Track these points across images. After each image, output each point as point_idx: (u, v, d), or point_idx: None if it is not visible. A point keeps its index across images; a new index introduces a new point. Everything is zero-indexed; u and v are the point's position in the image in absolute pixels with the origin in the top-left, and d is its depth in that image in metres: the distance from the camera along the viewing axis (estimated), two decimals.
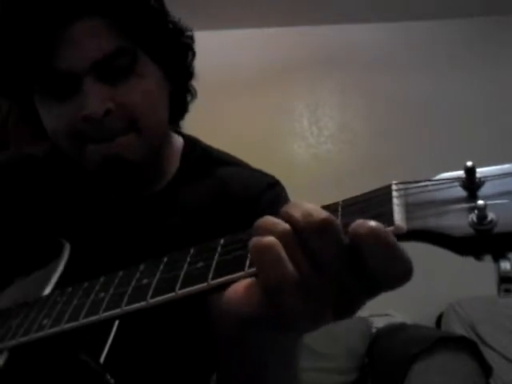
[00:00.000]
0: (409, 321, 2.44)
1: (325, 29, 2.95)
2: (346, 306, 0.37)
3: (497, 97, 2.88)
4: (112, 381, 0.57)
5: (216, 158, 0.82)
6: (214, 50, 2.79)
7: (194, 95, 0.83)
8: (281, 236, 0.36)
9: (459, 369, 2.03)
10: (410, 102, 2.88)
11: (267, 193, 0.76)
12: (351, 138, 2.90)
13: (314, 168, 2.88)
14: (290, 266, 0.35)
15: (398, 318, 2.46)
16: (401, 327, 2.33)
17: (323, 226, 0.35)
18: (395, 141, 2.84)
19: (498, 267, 0.31)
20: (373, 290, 0.36)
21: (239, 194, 0.75)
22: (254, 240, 0.36)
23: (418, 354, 2.02)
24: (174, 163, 0.80)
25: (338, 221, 0.38)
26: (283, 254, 0.35)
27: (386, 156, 2.77)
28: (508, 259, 0.31)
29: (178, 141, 0.84)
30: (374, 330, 2.36)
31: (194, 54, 0.80)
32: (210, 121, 2.64)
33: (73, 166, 0.81)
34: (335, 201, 0.41)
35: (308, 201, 0.37)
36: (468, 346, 2.08)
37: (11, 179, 0.83)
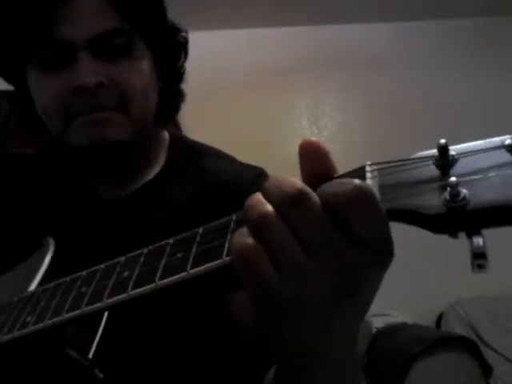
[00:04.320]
0: (409, 321, 2.43)
1: (325, 29, 2.95)
2: (349, 286, 0.35)
3: (496, 97, 2.88)
4: (101, 376, 0.56)
5: (202, 151, 0.82)
6: (214, 50, 2.80)
7: (183, 98, 0.84)
8: (259, 221, 0.35)
9: (459, 369, 2.02)
10: (410, 102, 2.88)
11: (259, 182, 0.76)
12: (351, 138, 2.90)
13: None
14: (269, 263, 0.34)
15: (398, 317, 2.45)
16: (401, 327, 2.32)
17: (298, 198, 0.34)
18: (395, 141, 2.83)
19: (471, 243, 0.31)
20: (368, 261, 0.35)
21: (229, 185, 0.75)
22: (233, 249, 0.35)
23: (417, 353, 2.01)
24: (160, 158, 0.81)
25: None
26: (261, 256, 0.35)
27: (386, 156, 2.74)
28: (481, 235, 0.31)
29: (165, 137, 0.84)
30: (374, 330, 2.35)
31: (186, 56, 0.81)
32: (210, 120, 2.64)
33: (61, 162, 0.82)
34: None
35: None
36: (468, 346, 2.07)
37: None
